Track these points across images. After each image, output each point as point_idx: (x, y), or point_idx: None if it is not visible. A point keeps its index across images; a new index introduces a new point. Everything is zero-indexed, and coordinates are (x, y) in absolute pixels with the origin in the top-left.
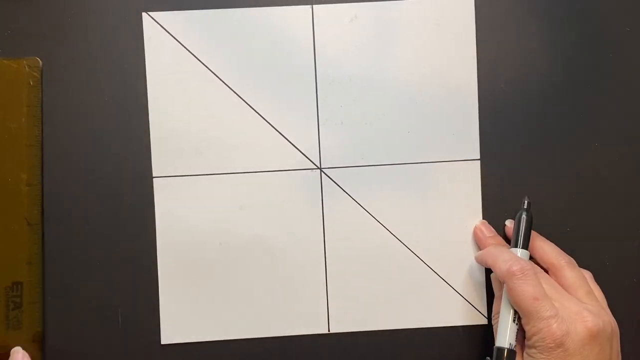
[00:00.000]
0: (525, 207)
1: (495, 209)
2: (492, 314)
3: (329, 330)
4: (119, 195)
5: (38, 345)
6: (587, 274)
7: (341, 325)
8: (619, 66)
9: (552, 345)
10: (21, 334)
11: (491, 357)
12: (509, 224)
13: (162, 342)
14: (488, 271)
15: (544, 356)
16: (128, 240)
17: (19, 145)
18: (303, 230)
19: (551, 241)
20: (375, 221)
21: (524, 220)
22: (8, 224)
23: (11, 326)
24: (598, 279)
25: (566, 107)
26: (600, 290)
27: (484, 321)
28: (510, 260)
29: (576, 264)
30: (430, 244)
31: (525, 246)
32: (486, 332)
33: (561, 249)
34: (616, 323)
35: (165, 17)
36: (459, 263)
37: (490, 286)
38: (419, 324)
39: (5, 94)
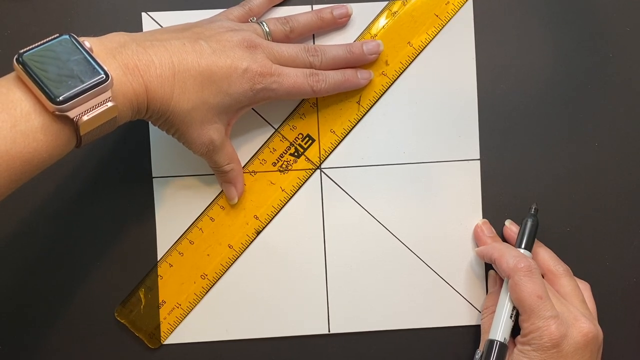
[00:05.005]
0: (532, 212)
1: (495, 209)
2: (483, 308)
3: (329, 331)
4: (119, 195)
5: None
6: (586, 285)
7: (341, 325)
8: (619, 66)
9: (549, 344)
10: None
11: (482, 351)
12: (509, 224)
13: (162, 342)
14: (487, 271)
15: (537, 354)
16: (128, 240)
17: None
18: (303, 230)
19: (552, 241)
20: (375, 221)
21: (530, 223)
22: None
23: None
24: (598, 279)
25: (566, 107)
26: (593, 303)
27: None
28: (519, 256)
29: (572, 273)
30: (430, 243)
31: (529, 248)
32: None
33: (562, 249)
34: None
35: (165, 17)
36: (459, 263)
37: None
38: (419, 324)
39: None
